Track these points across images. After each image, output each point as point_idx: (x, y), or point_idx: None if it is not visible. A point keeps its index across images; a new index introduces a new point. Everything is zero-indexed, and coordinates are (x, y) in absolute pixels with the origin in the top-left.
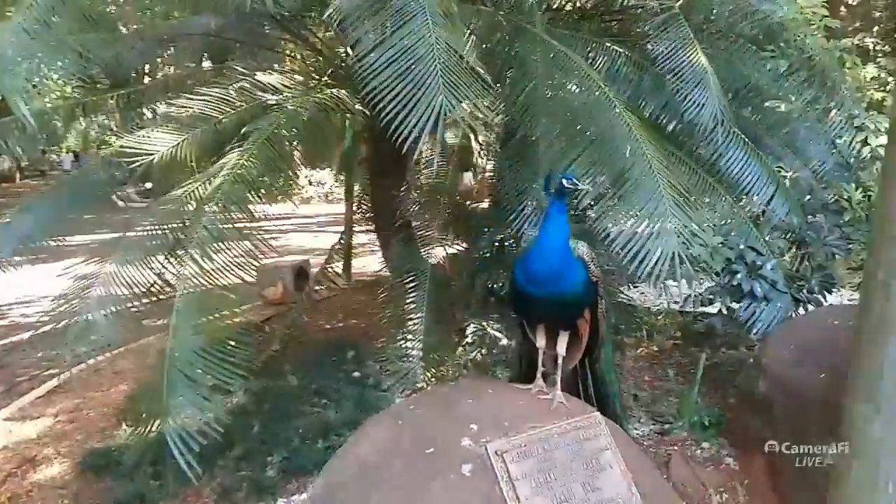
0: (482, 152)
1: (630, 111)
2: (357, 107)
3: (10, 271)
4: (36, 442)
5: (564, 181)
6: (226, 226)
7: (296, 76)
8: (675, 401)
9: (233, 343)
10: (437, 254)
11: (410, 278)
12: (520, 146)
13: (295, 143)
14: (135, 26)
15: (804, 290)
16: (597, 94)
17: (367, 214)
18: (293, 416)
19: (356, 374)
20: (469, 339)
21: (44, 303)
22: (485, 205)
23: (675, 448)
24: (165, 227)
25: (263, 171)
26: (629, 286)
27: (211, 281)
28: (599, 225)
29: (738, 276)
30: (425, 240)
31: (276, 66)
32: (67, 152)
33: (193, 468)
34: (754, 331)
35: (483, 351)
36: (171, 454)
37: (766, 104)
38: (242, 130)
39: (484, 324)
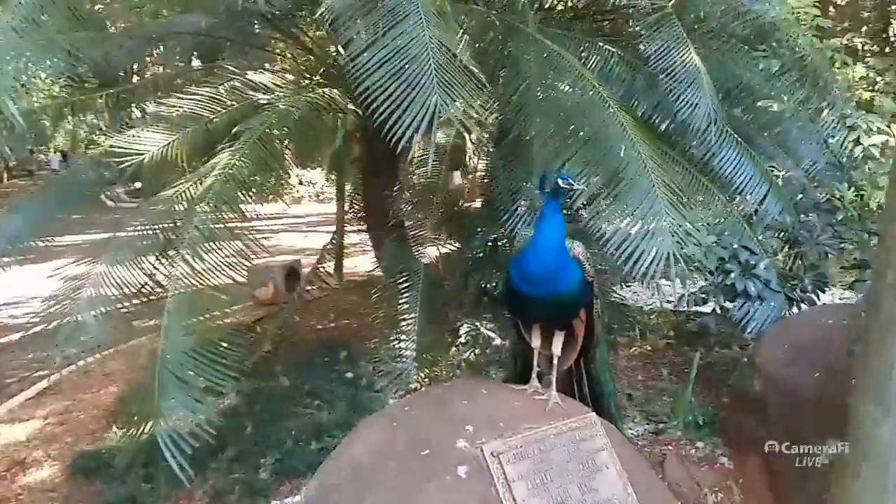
0: (476, 152)
1: (624, 111)
2: (349, 106)
3: None
4: (25, 444)
5: (559, 181)
6: (217, 226)
7: (287, 75)
8: (668, 400)
9: (224, 344)
10: (430, 253)
11: (403, 278)
12: (513, 146)
13: (286, 142)
14: (123, 25)
15: (797, 290)
16: (590, 93)
17: (359, 214)
18: (286, 418)
19: (349, 374)
20: (462, 340)
21: (33, 304)
22: (477, 204)
23: (670, 448)
24: (156, 227)
25: (255, 170)
26: (622, 285)
27: (202, 281)
28: (594, 225)
29: (732, 275)
30: (418, 239)
31: (267, 65)
32: (55, 152)
33: (185, 470)
34: (748, 330)
35: (476, 351)
36: (162, 456)
37: (759, 104)
38: (234, 130)
39: (477, 324)
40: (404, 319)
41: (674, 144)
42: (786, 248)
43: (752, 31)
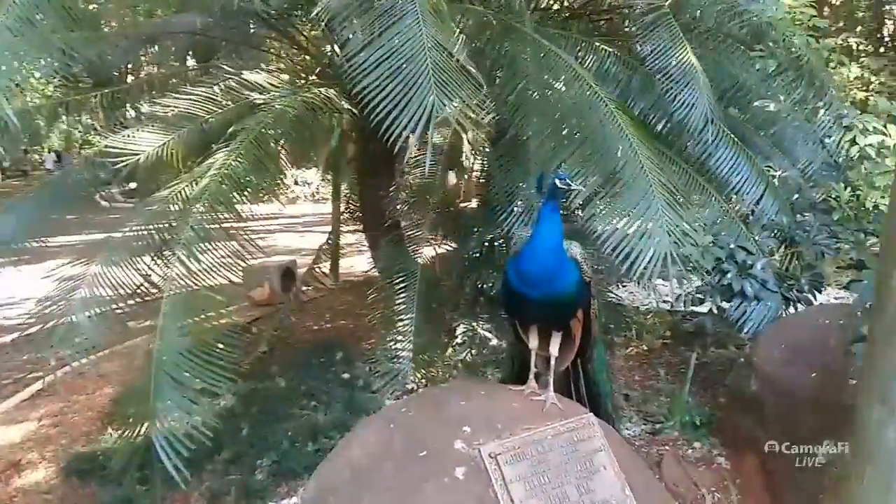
0: (472, 152)
1: (620, 110)
2: (345, 106)
3: None
4: (20, 446)
5: (557, 181)
6: (212, 226)
7: (283, 75)
8: (665, 400)
9: (220, 345)
10: (427, 254)
11: (400, 278)
12: (510, 145)
13: (282, 142)
14: (118, 24)
15: (794, 290)
16: (587, 93)
17: (355, 214)
18: (282, 419)
19: (345, 375)
20: (459, 340)
21: (27, 305)
22: (474, 204)
23: (667, 448)
24: (151, 227)
25: (250, 170)
26: (618, 285)
27: (197, 282)
28: (591, 225)
29: (729, 275)
30: (414, 240)
31: (262, 64)
32: (50, 152)
33: (181, 472)
34: (745, 330)
35: (473, 351)
36: (158, 458)
37: (755, 104)
38: (229, 130)
39: (474, 324)
40: (401, 320)
41: (670, 144)
42: (782, 248)
43: (748, 30)
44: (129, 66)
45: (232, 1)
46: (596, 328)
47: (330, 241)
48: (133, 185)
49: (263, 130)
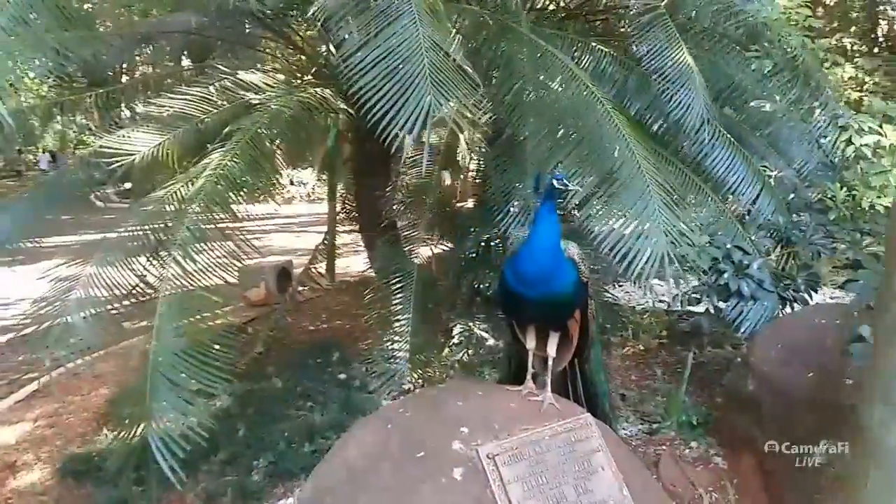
0: (469, 152)
1: (617, 111)
2: (341, 106)
3: None
4: (15, 447)
5: (555, 181)
6: (208, 226)
7: (278, 75)
8: (662, 400)
9: (216, 346)
10: (423, 254)
11: (396, 279)
12: (507, 145)
13: (278, 142)
14: (113, 24)
15: (790, 289)
16: (584, 93)
17: (352, 214)
18: (278, 420)
19: (342, 375)
20: (456, 340)
21: (22, 305)
22: (470, 204)
23: (664, 448)
24: (147, 228)
25: (246, 170)
26: (614, 285)
27: (193, 282)
28: (588, 225)
29: (725, 275)
30: (411, 240)
31: (258, 64)
32: (44, 152)
33: (177, 473)
34: (741, 330)
35: (470, 351)
36: (153, 459)
37: (751, 104)
38: (225, 130)
39: (470, 324)
40: (397, 320)
41: (666, 144)
42: (778, 248)
43: (744, 31)
44: (124, 65)
45: (227, 0)
46: (593, 328)
47: (326, 242)
48: (128, 185)
49: (259, 130)
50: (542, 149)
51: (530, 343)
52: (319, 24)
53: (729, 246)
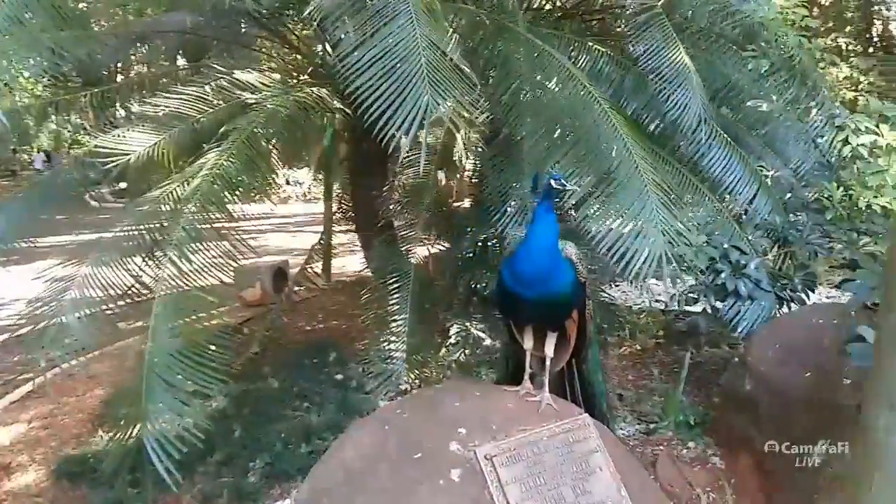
0: (466, 151)
1: (614, 110)
2: (337, 105)
3: None
4: (10, 449)
5: (552, 181)
6: (204, 226)
7: (274, 74)
8: (659, 400)
9: (212, 346)
10: (420, 254)
11: (393, 279)
12: (504, 145)
13: (274, 142)
14: (108, 23)
15: (787, 289)
16: (581, 93)
17: (348, 214)
18: (275, 420)
19: (338, 376)
20: (453, 340)
21: (17, 306)
22: (467, 204)
23: (662, 448)
24: (142, 228)
25: (242, 170)
26: (610, 285)
27: (189, 283)
28: (585, 225)
29: (723, 274)
30: (407, 239)
31: (254, 64)
32: (39, 152)
33: (173, 475)
34: (739, 329)
35: (467, 351)
36: (149, 460)
37: (748, 104)
38: (221, 130)
39: (467, 324)
40: (394, 320)
41: (663, 144)
42: (775, 248)
43: (740, 30)
44: (119, 65)
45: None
46: (591, 328)
47: (322, 241)
48: (123, 185)
49: (255, 130)
50: (539, 148)
51: (528, 343)
52: (316, 23)
53: (726, 246)
